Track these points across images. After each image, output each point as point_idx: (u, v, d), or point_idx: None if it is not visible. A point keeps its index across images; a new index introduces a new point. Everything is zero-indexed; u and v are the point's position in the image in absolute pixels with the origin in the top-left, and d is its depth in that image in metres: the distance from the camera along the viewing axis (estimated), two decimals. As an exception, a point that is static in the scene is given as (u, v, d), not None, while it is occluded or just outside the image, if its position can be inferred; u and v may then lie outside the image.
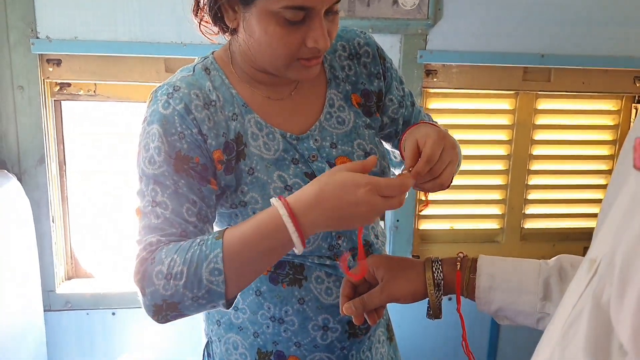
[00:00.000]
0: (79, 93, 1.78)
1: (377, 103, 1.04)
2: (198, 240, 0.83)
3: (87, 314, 1.86)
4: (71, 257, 1.91)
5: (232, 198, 0.94)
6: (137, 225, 0.87)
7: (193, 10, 0.95)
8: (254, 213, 0.91)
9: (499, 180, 2.06)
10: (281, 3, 0.81)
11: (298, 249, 0.79)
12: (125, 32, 1.69)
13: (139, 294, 0.83)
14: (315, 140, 0.97)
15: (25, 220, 1.68)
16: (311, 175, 0.95)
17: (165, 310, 0.82)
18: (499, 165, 2.05)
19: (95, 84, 1.77)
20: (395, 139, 1.10)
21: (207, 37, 0.97)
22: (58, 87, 1.77)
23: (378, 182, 0.77)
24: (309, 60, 0.88)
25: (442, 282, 0.87)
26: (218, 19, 0.91)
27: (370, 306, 0.89)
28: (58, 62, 1.72)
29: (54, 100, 1.78)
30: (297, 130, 0.97)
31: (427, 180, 0.88)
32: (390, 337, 1.16)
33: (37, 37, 1.66)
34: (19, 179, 1.70)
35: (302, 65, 0.88)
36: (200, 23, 0.95)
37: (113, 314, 1.86)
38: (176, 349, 1.92)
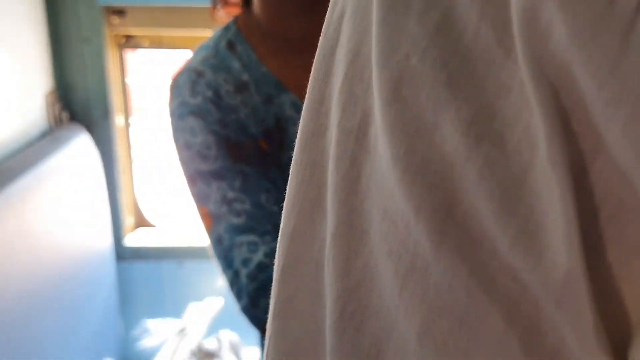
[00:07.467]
0: (144, 44, 1.78)
1: None
2: None
3: (155, 264, 1.91)
4: (138, 209, 1.95)
5: None
6: (209, 231, 0.76)
7: None
8: None
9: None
10: None
11: None
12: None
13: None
14: None
15: (96, 171, 1.71)
16: None
17: None
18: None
19: (159, 34, 1.77)
20: None
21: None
22: (124, 39, 1.77)
23: None
24: None
25: None
26: None
27: None
28: (122, 13, 1.71)
29: (119, 52, 1.79)
30: None
31: None
32: None
33: (102, -12, 1.66)
34: (89, 131, 1.73)
35: None
36: None
37: (179, 265, 1.90)
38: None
